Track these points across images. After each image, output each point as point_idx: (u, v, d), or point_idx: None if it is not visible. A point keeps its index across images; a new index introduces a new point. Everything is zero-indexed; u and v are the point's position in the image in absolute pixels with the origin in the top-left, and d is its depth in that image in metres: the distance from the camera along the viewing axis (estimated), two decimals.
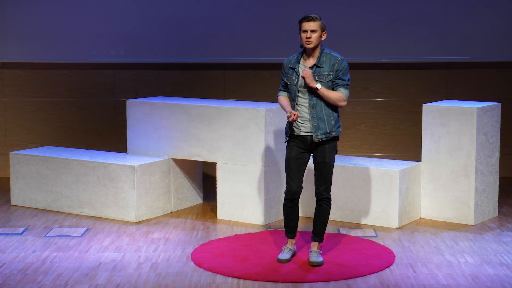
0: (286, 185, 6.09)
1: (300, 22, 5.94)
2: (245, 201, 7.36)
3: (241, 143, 7.34)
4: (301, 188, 6.08)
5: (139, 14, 9.07)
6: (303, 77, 5.89)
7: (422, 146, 7.40)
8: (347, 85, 5.92)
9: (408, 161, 7.53)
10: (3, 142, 9.35)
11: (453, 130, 7.22)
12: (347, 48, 8.93)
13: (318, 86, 5.86)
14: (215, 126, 7.47)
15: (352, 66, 8.95)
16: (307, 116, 5.96)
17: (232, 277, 5.80)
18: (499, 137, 7.43)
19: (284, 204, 6.13)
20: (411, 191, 7.30)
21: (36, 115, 9.31)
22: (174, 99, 8.02)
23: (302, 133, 5.99)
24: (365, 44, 8.97)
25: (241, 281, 5.73)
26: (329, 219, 6.42)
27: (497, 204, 7.55)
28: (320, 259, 6.05)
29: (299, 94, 5.97)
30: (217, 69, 9.18)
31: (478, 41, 8.95)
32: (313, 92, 5.92)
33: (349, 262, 6.08)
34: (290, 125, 6.04)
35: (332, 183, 6.11)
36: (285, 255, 6.15)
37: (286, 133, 6.08)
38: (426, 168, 7.39)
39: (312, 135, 5.97)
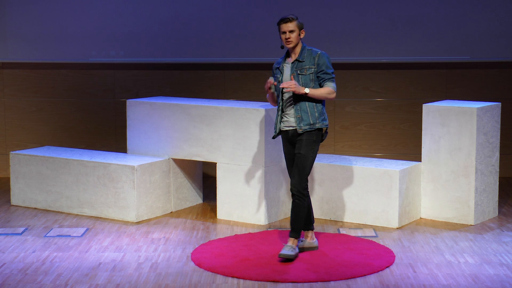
0: None
1: (278, 24, 6.17)
2: (245, 201, 7.36)
3: (241, 143, 7.33)
4: None
5: (139, 14, 9.06)
6: (291, 91, 6.01)
7: (422, 146, 7.40)
8: (333, 77, 6.11)
9: (408, 161, 7.52)
10: (3, 142, 9.34)
11: (453, 130, 7.22)
12: (347, 48, 8.93)
13: (307, 90, 6.04)
14: (215, 126, 7.47)
15: (352, 66, 8.99)
16: (292, 111, 6.12)
17: (232, 277, 5.80)
18: (499, 137, 7.43)
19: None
20: (411, 191, 7.30)
21: (36, 115, 9.31)
22: (174, 99, 8.01)
23: (285, 128, 6.19)
24: (365, 44, 8.97)
25: (241, 281, 5.72)
26: (310, 215, 6.25)
27: (497, 204, 7.55)
28: (291, 252, 6.05)
29: (284, 91, 6.15)
30: (217, 69, 9.18)
31: (478, 41, 8.95)
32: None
33: (349, 262, 6.08)
34: (276, 122, 6.22)
35: (307, 180, 6.12)
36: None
37: (275, 129, 6.25)
38: (426, 168, 7.39)
39: (295, 129, 6.14)
